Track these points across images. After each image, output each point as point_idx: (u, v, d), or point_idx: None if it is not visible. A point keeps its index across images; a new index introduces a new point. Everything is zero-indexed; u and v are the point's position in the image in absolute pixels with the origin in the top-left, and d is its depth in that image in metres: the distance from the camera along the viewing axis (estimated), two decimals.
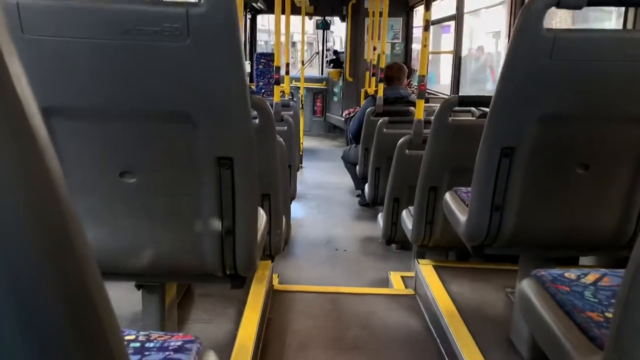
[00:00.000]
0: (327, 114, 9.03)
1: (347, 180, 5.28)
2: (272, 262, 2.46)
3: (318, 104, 9.06)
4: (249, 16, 8.29)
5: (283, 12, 5.08)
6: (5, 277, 0.27)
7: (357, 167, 4.47)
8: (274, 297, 2.40)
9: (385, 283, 2.96)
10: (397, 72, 4.51)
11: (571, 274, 1.14)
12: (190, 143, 1.12)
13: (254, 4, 7.66)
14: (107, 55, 1.05)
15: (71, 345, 0.31)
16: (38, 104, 1.04)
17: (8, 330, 0.27)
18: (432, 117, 2.34)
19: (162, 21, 1.02)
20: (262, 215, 1.54)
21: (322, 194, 5.35)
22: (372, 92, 5.07)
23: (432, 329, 2.14)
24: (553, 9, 1.28)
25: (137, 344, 0.84)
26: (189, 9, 1.02)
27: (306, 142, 7.23)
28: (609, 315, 0.98)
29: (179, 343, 0.84)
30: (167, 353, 0.81)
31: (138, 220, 1.21)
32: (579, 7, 1.26)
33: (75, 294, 0.30)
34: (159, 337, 0.87)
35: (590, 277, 1.12)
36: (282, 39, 4.34)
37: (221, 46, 1.04)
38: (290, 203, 3.36)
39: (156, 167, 1.17)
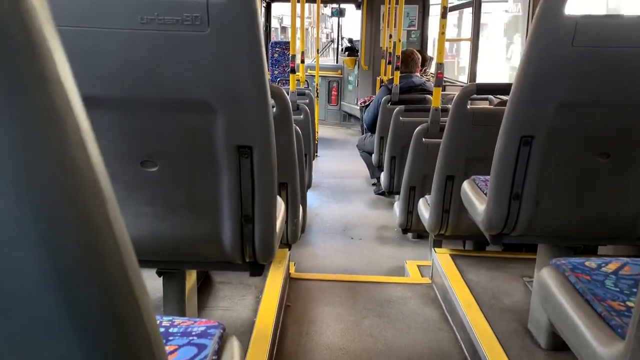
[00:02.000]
0: (342, 102, 9.00)
1: (362, 169, 5.27)
2: (289, 250, 2.48)
3: (333, 92, 9.04)
4: (263, 4, 8.27)
5: (298, 0, 5.05)
6: (50, 262, 0.28)
7: (373, 155, 4.46)
8: (290, 285, 2.42)
9: (402, 272, 2.97)
10: (407, 58, 4.44)
11: (592, 262, 1.13)
12: (210, 131, 1.14)
13: None
14: (128, 45, 1.06)
15: (109, 326, 0.32)
16: None
17: (50, 309, 0.28)
18: (449, 105, 2.32)
19: (183, 10, 1.03)
20: (280, 204, 1.55)
21: (338, 182, 5.35)
22: (387, 81, 5.03)
23: (449, 317, 2.14)
24: None
25: (162, 329, 0.86)
26: None
27: (321, 131, 7.23)
28: (631, 304, 0.97)
29: (202, 328, 0.86)
30: (190, 338, 0.83)
31: (159, 208, 1.23)
32: None
33: (114, 278, 0.31)
34: (182, 322, 0.89)
35: (612, 266, 1.11)
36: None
37: (241, 35, 1.05)
38: (306, 192, 3.37)
39: (177, 156, 1.19)
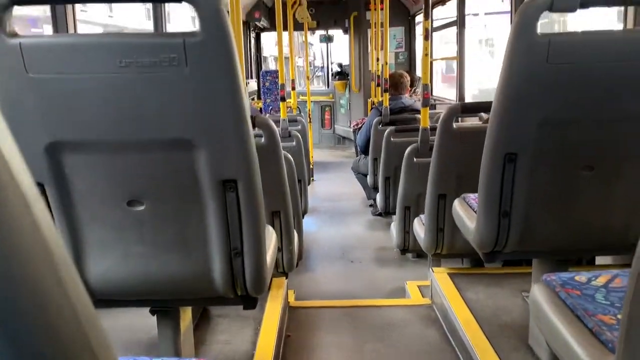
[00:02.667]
0: (335, 125, 9.07)
1: (358, 191, 5.28)
2: (286, 278, 2.46)
3: (326, 116, 9.12)
4: (253, 35, 8.40)
5: (286, 29, 5.14)
6: None
7: (368, 177, 4.48)
8: (290, 313, 2.40)
9: (403, 293, 2.95)
10: (396, 81, 4.52)
11: (582, 277, 1.13)
12: (194, 168, 1.15)
13: (257, 23, 7.76)
14: (108, 89, 1.08)
15: None
16: (44, 139, 1.07)
17: None
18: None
19: (160, 52, 1.05)
20: (271, 234, 1.55)
21: (335, 206, 5.36)
22: (377, 103, 5.09)
23: (450, 338, 2.12)
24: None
25: None
26: (186, 38, 1.04)
27: (316, 155, 7.26)
28: (621, 317, 0.97)
29: None
30: None
31: (148, 247, 1.23)
32: (573, 10, 1.27)
33: (69, 338, 0.31)
34: None
35: (602, 279, 1.11)
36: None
37: (219, 73, 1.07)
38: (303, 218, 3.37)
39: (163, 194, 1.19)
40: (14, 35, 1.05)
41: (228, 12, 2.00)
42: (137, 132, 1.12)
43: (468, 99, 4.95)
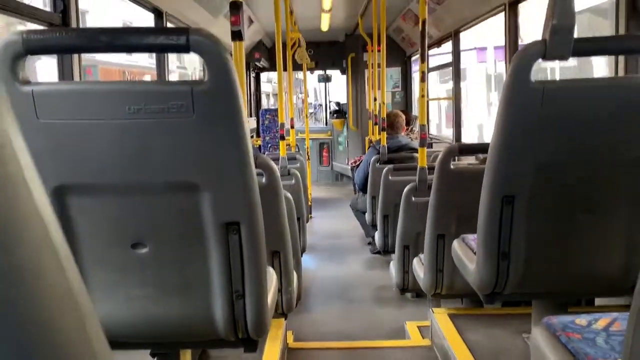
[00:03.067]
0: (333, 163, 9.15)
1: (357, 228, 5.28)
2: (285, 319, 2.44)
3: (324, 153, 9.21)
4: (252, 74, 8.57)
5: (285, 69, 5.26)
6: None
7: (366, 215, 4.49)
8: (289, 356, 2.37)
9: (402, 333, 2.92)
10: (393, 120, 4.61)
11: (582, 319, 1.14)
12: (198, 211, 1.17)
13: (257, 63, 7.93)
14: (117, 134, 1.11)
15: None
16: (52, 183, 1.09)
17: None
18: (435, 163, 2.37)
19: (169, 99, 1.09)
20: (271, 275, 1.56)
21: (334, 243, 5.34)
22: (374, 141, 5.17)
23: None
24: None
25: None
26: (194, 86, 1.08)
27: (314, 192, 7.29)
28: None
29: None
30: None
31: (150, 290, 1.24)
32: (565, 59, 1.32)
33: None
34: None
35: (601, 323, 1.12)
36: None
37: (225, 119, 1.10)
38: (302, 256, 3.36)
39: (166, 237, 1.21)
40: (27, 82, 1.09)
41: (231, 54, 2.07)
42: (143, 176, 1.15)
43: (474, 135, 5.03)
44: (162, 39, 1.06)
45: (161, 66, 3.58)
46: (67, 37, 1.05)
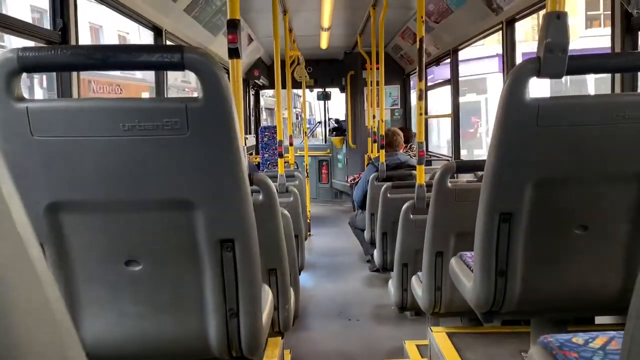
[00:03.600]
0: (332, 180, 9.15)
1: (356, 246, 5.26)
2: (282, 338, 2.42)
3: (323, 171, 9.21)
4: (252, 92, 8.63)
5: (284, 87, 5.29)
6: None
7: (365, 232, 4.47)
8: None
9: (401, 353, 2.88)
10: (391, 138, 4.64)
11: (579, 338, 1.12)
12: (192, 228, 1.16)
13: (256, 81, 7.99)
14: (111, 151, 1.11)
15: None
16: (45, 199, 1.09)
17: None
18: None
19: (163, 116, 1.09)
20: (267, 293, 1.54)
21: (332, 261, 5.31)
22: (373, 159, 5.18)
23: None
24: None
25: None
26: (188, 103, 1.09)
27: (313, 209, 7.28)
28: None
29: None
30: None
31: (143, 307, 1.23)
32: (559, 77, 1.33)
33: None
34: None
35: (598, 341, 1.10)
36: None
37: (219, 136, 1.10)
38: (300, 274, 3.34)
39: (159, 254, 1.20)
40: (22, 99, 1.10)
41: (228, 72, 2.08)
42: (137, 193, 1.14)
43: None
44: (157, 57, 1.07)
45: (160, 82, 3.60)
46: (61, 55, 1.06)
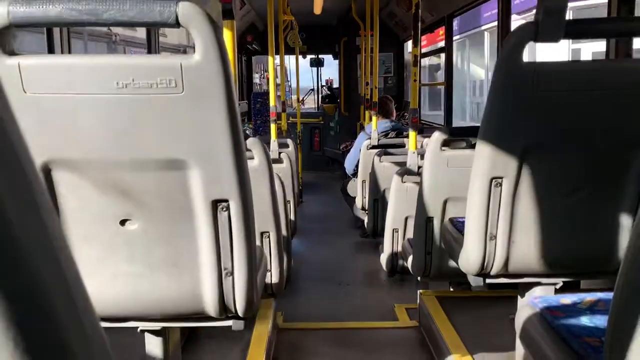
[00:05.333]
0: (324, 147, 9.12)
1: (347, 212, 5.29)
2: (275, 299, 2.46)
3: (315, 138, 9.17)
4: (244, 58, 8.49)
5: (277, 53, 5.21)
6: (7, 329, 0.28)
7: (356, 199, 4.50)
8: (278, 336, 2.39)
9: (391, 315, 2.95)
10: (384, 105, 4.62)
11: (567, 299, 1.15)
12: (186, 188, 1.16)
13: (248, 46, 7.85)
14: (105, 109, 1.10)
15: None
16: (40, 158, 1.08)
17: None
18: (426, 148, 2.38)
19: (158, 74, 1.07)
20: (261, 255, 1.56)
21: (323, 227, 5.35)
22: (365, 126, 5.17)
23: None
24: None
25: None
26: (183, 61, 1.07)
27: (305, 177, 7.29)
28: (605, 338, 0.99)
29: None
30: None
31: (138, 266, 1.23)
32: (556, 41, 1.32)
33: (75, 345, 0.33)
34: None
35: (586, 302, 1.14)
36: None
37: (214, 95, 1.09)
38: (291, 239, 3.37)
39: (155, 214, 1.20)
40: (13, 54, 1.07)
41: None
42: (132, 152, 1.14)
43: None
44: (150, 12, 1.04)
45: (151, 39, 3.51)
46: (52, 9, 1.03)
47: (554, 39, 1.30)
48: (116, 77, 1.07)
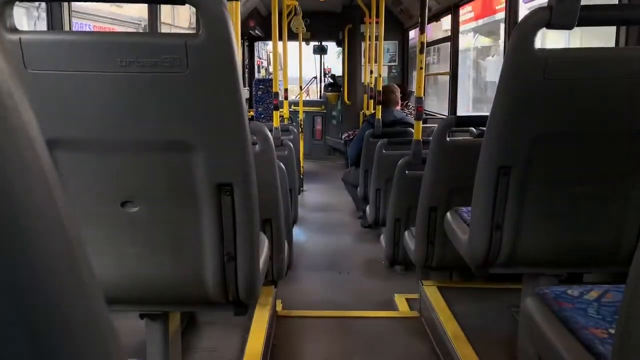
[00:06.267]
0: (326, 136, 9.09)
1: (348, 202, 5.28)
2: (275, 287, 2.45)
3: (317, 127, 9.13)
4: (246, 43, 8.42)
5: (280, 39, 5.16)
6: (14, 305, 0.27)
7: (358, 188, 4.48)
8: (278, 322, 2.38)
9: (390, 305, 2.94)
10: (388, 94, 4.57)
11: (574, 290, 1.14)
12: (190, 170, 1.14)
13: (251, 32, 7.78)
14: (108, 87, 1.07)
15: None
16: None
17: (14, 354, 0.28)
18: (430, 138, 2.36)
19: (162, 52, 1.05)
20: (263, 241, 1.55)
21: (324, 216, 5.34)
22: (369, 115, 5.13)
23: (438, 351, 2.12)
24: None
25: None
26: (188, 40, 1.04)
27: (306, 165, 7.26)
28: (613, 331, 0.97)
29: None
30: None
31: (140, 250, 1.22)
32: (570, 28, 1.29)
33: (82, 325, 0.31)
34: None
35: (593, 294, 1.12)
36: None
37: (219, 75, 1.07)
38: (292, 227, 3.36)
39: (157, 196, 1.18)
40: (14, 30, 1.04)
41: None
42: (135, 132, 1.11)
43: None
44: None
45: (153, 17, 3.46)
46: None
47: (568, 25, 1.27)
48: (119, 54, 1.04)
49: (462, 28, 5.59)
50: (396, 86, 4.74)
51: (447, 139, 2.24)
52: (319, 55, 9.37)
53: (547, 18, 1.26)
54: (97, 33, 1.27)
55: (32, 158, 0.28)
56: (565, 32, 1.32)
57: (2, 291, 0.26)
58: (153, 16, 3.39)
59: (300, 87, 7.15)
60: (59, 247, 0.30)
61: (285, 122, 5.77)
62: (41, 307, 0.28)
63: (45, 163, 0.29)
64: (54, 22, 2.26)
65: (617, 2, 2.23)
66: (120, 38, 1.08)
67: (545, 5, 1.28)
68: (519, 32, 1.30)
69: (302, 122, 6.66)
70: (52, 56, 1.05)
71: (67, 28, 2.32)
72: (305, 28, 6.79)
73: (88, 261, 0.32)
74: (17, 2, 1.05)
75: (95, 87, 1.07)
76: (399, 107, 4.98)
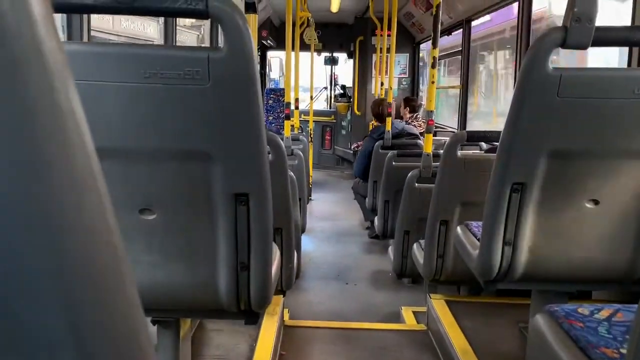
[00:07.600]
0: (335, 146, 9.12)
1: (356, 212, 5.28)
2: (284, 296, 2.46)
3: (327, 137, 9.17)
4: (258, 53, 8.50)
5: (293, 49, 5.21)
6: (63, 313, 0.28)
7: (367, 199, 4.49)
8: (285, 332, 2.39)
9: (397, 318, 2.94)
10: (377, 109, 4.64)
11: (584, 309, 1.14)
12: (208, 180, 1.16)
13: (264, 42, 7.86)
14: (131, 98, 1.10)
15: None
16: None
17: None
18: (440, 151, 2.37)
19: (185, 65, 1.07)
20: (275, 250, 1.56)
21: (332, 226, 5.35)
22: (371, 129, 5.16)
23: None
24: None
25: None
26: (210, 53, 1.07)
27: (315, 175, 7.29)
28: (624, 351, 0.98)
29: None
30: None
31: (155, 256, 1.24)
32: (584, 48, 1.31)
33: (127, 340, 0.33)
34: None
35: (604, 313, 1.12)
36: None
37: (240, 88, 1.09)
38: (301, 236, 3.37)
39: (175, 205, 1.21)
40: None
41: None
42: (155, 142, 1.14)
43: None
44: (182, 2, 1.04)
45: (168, 31, 3.51)
46: None
47: (582, 45, 1.29)
48: (143, 66, 1.07)
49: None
50: (384, 99, 4.81)
51: (458, 153, 2.25)
52: (329, 66, 9.44)
53: (562, 38, 1.27)
54: (122, 45, 1.31)
55: (87, 172, 0.30)
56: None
57: (59, 308, 0.27)
58: (169, 29, 3.45)
59: (311, 97, 7.19)
60: (110, 263, 0.31)
61: (296, 131, 5.81)
62: (92, 324, 0.29)
63: (98, 174, 0.31)
64: (73, 36, 2.30)
65: (630, 24, 2.24)
66: (144, 50, 1.11)
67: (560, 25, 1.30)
68: (534, 52, 1.31)
69: (311, 132, 6.69)
70: (78, 66, 1.08)
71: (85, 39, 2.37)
72: (317, 39, 6.85)
73: (132, 275, 0.34)
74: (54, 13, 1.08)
75: (118, 97, 1.10)
76: (408, 119, 5.01)
